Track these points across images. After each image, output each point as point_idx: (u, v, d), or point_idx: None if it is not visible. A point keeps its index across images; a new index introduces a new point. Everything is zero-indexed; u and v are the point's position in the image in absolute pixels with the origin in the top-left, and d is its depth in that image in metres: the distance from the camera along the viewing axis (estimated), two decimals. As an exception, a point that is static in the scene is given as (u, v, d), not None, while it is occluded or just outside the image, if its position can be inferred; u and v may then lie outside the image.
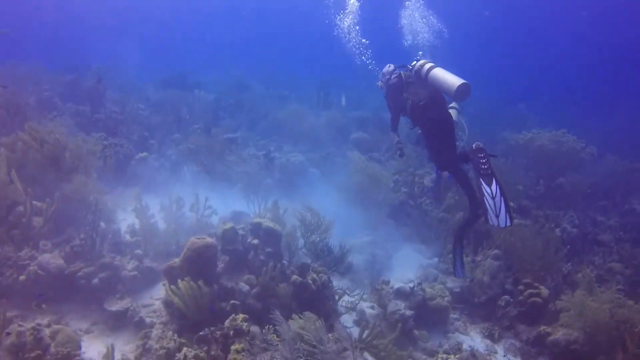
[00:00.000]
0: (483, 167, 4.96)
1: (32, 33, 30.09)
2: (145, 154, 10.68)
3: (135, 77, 18.44)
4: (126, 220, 7.67)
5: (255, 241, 6.21)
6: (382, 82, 6.18)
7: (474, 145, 5.10)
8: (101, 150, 9.25)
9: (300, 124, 15.01)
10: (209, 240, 5.70)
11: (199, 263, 5.52)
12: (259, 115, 16.59)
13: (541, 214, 10.00)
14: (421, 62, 5.70)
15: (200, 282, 5.20)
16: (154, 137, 12.65)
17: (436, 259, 8.66)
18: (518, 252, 7.68)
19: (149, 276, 6.68)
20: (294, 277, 5.90)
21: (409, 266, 8.43)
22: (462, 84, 5.15)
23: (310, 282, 5.94)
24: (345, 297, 6.86)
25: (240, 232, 6.29)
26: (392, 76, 5.92)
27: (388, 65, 6.12)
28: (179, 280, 5.22)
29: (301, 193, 9.93)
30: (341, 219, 7.82)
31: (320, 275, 6.17)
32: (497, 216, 4.76)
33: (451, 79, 5.25)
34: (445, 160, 5.59)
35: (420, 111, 5.54)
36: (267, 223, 6.39)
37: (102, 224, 6.87)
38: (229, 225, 6.25)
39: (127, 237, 7.22)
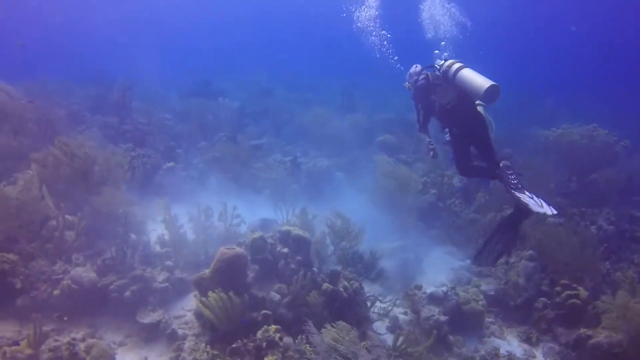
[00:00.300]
0: (513, 182, 4.81)
1: (44, 46, 30.57)
2: (172, 163, 10.77)
3: (157, 87, 18.55)
4: (155, 231, 7.72)
5: (285, 250, 6.15)
6: (409, 82, 6.01)
7: (501, 164, 4.94)
8: (129, 161, 9.36)
9: (325, 128, 14.85)
10: (239, 250, 5.66)
11: (229, 274, 5.49)
12: (283, 120, 16.55)
13: (576, 212, 9.69)
14: (449, 62, 5.47)
15: (230, 293, 5.17)
16: (180, 146, 12.75)
17: (468, 261, 8.48)
18: (553, 252, 7.44)
19: (180, 287, 6.71)
20: (325, 285, 5.83)
21: (441, 269, 8.28)
22: (491, 86, 4.90)
23: (341, 289, 5.87)
24: (378, 304, 6.75)
25: (269, 240, 6.24)
26: (420, 77, 5.73)
27: (415, 65, 5.92)
28: (209, 292, 5.19)
29: (328, 198, 9.85)
30: (370, 223, 7.70)
31: (352, 282, 6.10)
32: (542, 207, 4.58)
33: (479, 81, 5.01)
34: (468, 165, 5.42)
35: (448, 113, 5.39)
36: (296, 231, 6.31)
37: (133, 236, 6.93)
38: (257, 234, 6.20)
39: (157, 247, 7.26)
